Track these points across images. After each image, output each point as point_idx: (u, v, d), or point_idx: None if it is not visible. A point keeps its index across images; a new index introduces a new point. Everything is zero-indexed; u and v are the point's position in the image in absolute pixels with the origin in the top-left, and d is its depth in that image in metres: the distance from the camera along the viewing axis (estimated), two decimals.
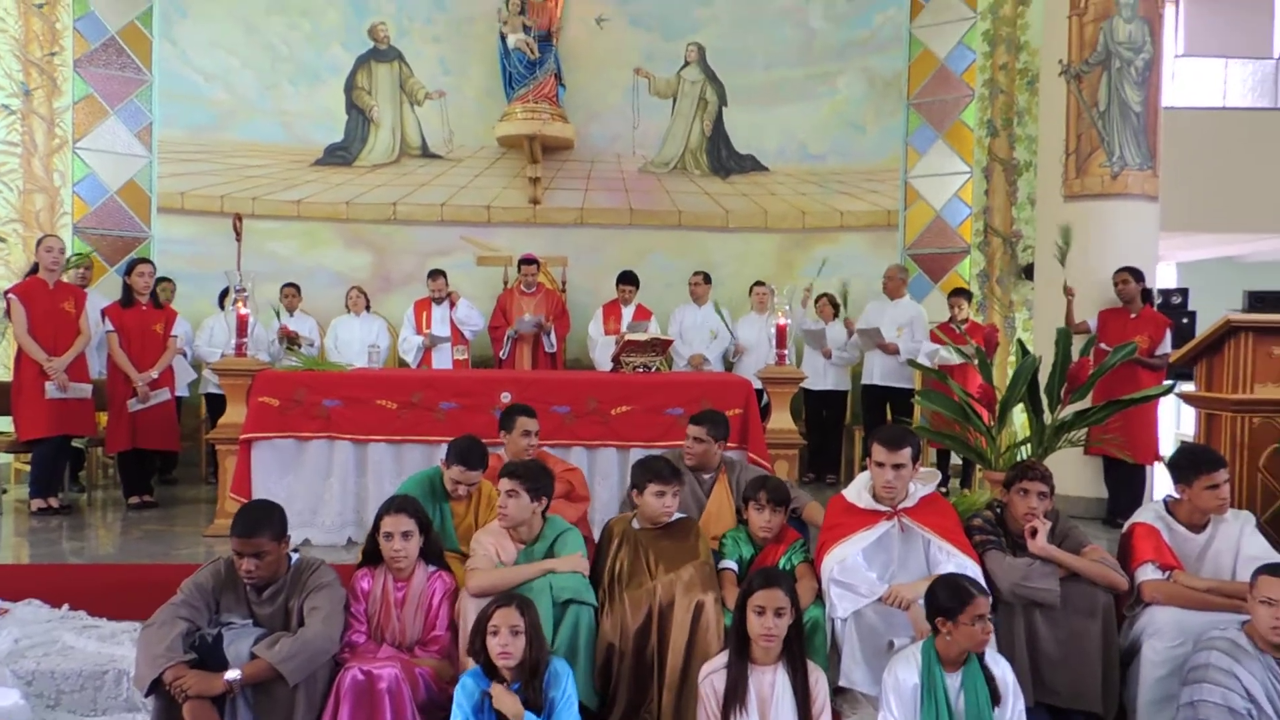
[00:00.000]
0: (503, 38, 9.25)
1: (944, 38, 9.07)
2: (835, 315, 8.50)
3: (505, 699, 3.11)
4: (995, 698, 3.24)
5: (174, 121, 8.94)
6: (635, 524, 4.04)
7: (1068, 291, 6.68)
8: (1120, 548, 4.10)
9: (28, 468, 6.81)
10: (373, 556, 3.78)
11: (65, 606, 4.49)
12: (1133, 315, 6.56)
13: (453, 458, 4.22)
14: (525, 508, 3.83)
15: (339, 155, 9.41)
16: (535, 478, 3.86)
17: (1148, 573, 3.89)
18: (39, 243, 6.50)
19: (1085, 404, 5.44)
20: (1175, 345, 6.40)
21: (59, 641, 4.13)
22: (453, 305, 8.35)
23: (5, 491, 7.16)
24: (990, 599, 3.33)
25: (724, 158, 9.67)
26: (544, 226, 9.49)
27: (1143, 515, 4.11)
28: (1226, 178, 9.59)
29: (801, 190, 9.54)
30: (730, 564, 3.99)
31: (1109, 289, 6.68)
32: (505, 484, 3.81)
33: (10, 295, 6.30)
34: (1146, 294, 6.67)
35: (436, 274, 8.41)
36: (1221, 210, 9.72)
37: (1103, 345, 6.28)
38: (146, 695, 3.27)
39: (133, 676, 3.39)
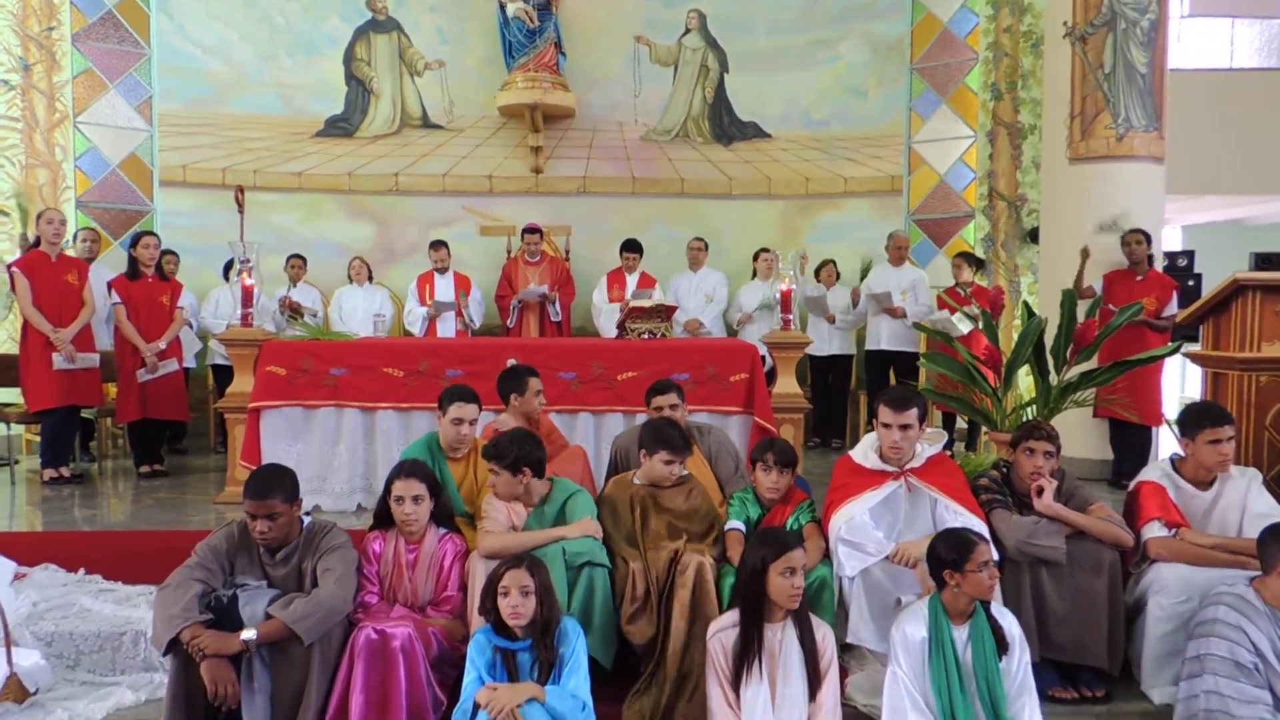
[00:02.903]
0: (502, 6, 9.19)
1: (946, 1, 8.99)
2: (838, 280, 8.51)
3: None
4: (1002, 649, 3.28)
5: (173, 95, 8.91)
6: (637, 481, 4.07)
7: (1085, 253, 6.67)
8: (1126, 506, 4.12)
9: (38, 438, 6.86)
10: (384, 520, 3.82)
11: (81, 571, 4.54)
12: (1139, 277, 6.56)
13: (448, 400, 4.27)
14: (510, 482, 3.85)
15: (339, 127, 9.38)
16: (504, 454, 3.82)
17: (1154, 530, 3.91)
18: (39, 216, 6.51)
19: (1091, 365, 5.44)
20: (1181, 308, 6.39)
21: (76, 604, 4.18)
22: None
23: (17, 462, 7.22)
24: (989, 545, 3.36)
25: (726, 125, 9.63)
26: (546, 196, 9.47)
27: (1149, 474, 4.13)
28: (1233, 139, 9.54)
29: (805, 157, 9.51)
30: (738, 524, 4.01)
31: (1114, 252, 6.67)
32: (489, 465, 3.86)
33: (13, 269, 6.32)
34: (1150, 257, 6.66)
35: (438, 245, 8.42)
36: (1228, 172, 9.68)
37: (1110, 307, 6.27)
38: (164, 655, 3.31)
39: (150, 637, 3.43)
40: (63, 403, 6.34)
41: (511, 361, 5.51)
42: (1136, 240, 6.54)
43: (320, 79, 9.32)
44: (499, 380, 4.84)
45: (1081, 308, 6.08)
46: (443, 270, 8.38)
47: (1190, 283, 7.86)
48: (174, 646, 3.26)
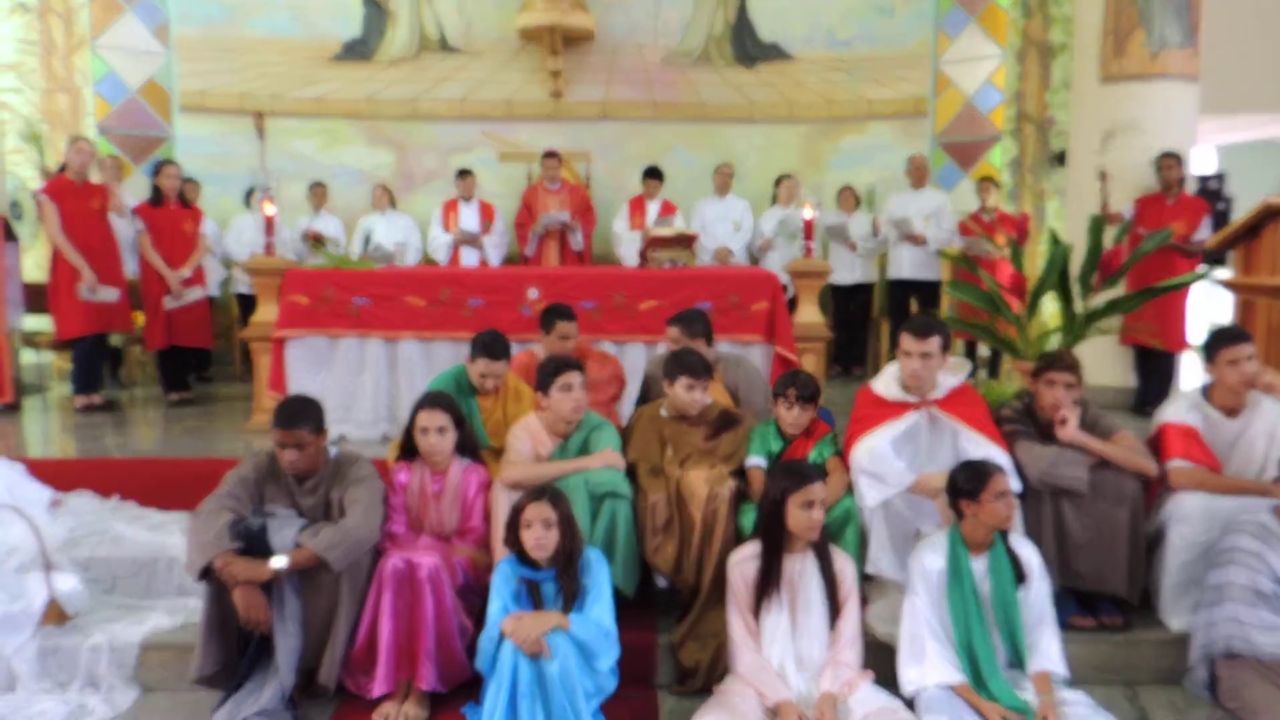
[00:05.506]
0: None
1: None
2: (857, 206, 8.41)
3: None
4: (1020, 579, 3.31)
5: (189, 17, 8.80)
6: (663, 412, 4.09)
7: (1103, 176, 6.54)
8: (1149, 444, 4.04)
9: (69, 365, 6.94)
10: (410, 451, 3.86)
11: (115, 497, 4.63)
12: (1170, 201, 6.44)
13: (477, 351, 4.25)
14: (586, 397, 3.94)
15: (357, 50, 9.23)
16: (584, 369, 3.95)
17: (1177, 465, 3.89)
18: (71, 143, 6.49)
19: (1118, 291, 5.39)
20: (1214, 232, 6.28)
21: (111, 531, 4.27)
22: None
23: (49, 389, 7.33)
24: (1007, 475, 3.36)
25: (748, 46, 9.41)
26: (566, 121, 9.32)
27: (1174, 411, 4.01)
28: (1270, 55, 9.22)
29: (828, 79, 9.30)
30: (760, 460, 3.98)
31: (1146, 174, 6.54)
32: (576, 377, 3.88)
33: (41, 196, 6.33)
34: (1181, 180, 6.54)
35: (465, 174, 8.37)
36: (1265, 89, 9.36)
37: (1140, 231, 6.18)
38: (198, 580, 3.39)
39: (184, 563, 3.51)
40: (92, 330, 6.41)
41: (533, 293, 5.53)
42: (1169, 165, 6.41)
43: (337, 0, 9.15)
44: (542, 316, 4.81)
45: (1109, 233, 5.99)
46: (468, 199, 8.32)
47: (1220, 207, 7.71)
48: (207, 573, 3.34)
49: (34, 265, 7.59)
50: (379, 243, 7.94)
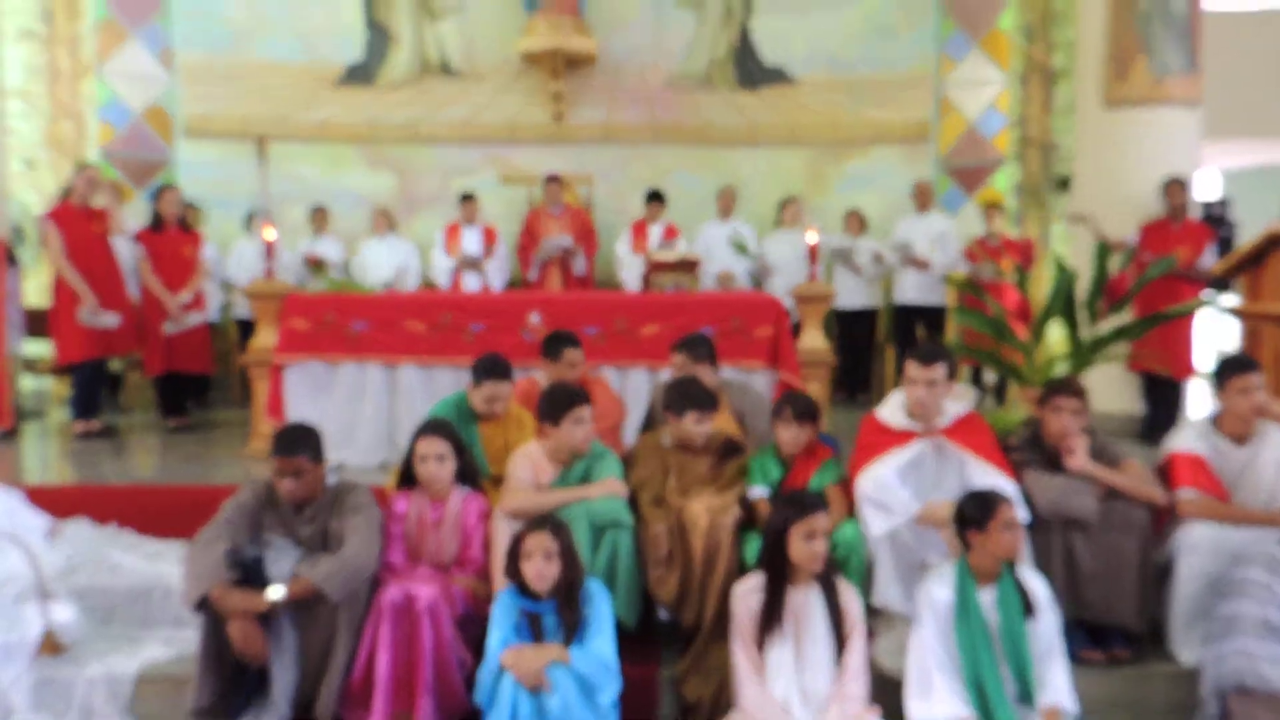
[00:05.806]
0: None
1: None
2: (862, 229, 8.40)
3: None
4: (1029, 611, 3.26)
5: (193, 43, 8.82)
6: (666, 442, 4.04)
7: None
8: (1158, 473, 4.01)
9: (68, 391, 6.91)
10: (409, 479, 3.81)
11: (113, 524, 4.57)
12: (1175, 227, 6.42)
13: (481, 375, 4.22)
14: (594, 428, 3.90)
15: (359, 74, 9.25)
16: (589, 400, 3.89)
17: (1185, 495, 3.85)
18: (80, 170, 6.49)
19: (1125, 318, 5.36)
20: (1217, 258, 6.26)
21: (108, 559, 4.21)
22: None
23: (48, 415, 7.30)
24: (1015, 505, 3.32)
25: (751, 69, 9.42)
26: (568, 144, 9.32)
27: (1183, 440, 3.99)
28: (1272, 79, 9.24)
29: (831, 101, 9.30)
30: (763, 490, 3.93)
31: (1151, 200, 6.52)
32: (587, 410, 3.83)
33: (46, 221, 6.32)
34: (1186, 205, 6.52)
35: (467, 198, 8.35)
36: (1267, 114, 9.38)
37: (1146, 257, 6.16)
38: (194, 611, 3.34)
39: (181, 594, 3.47)
40: (93, 355, 6.38)
41: (535, 318, 5.50)
42: (1174, 190, 6.40)
43: (340, 24, 9.17)
44: (544, 340, 4.74)
45: (1115, 259, 5.97)
46: (471, 223, 8.32)
47: (1223, 233, 7.70)
48: (204, 604, 3.29)
49: (35, 290, 7.58)
50: (373, 278, 7.95)
